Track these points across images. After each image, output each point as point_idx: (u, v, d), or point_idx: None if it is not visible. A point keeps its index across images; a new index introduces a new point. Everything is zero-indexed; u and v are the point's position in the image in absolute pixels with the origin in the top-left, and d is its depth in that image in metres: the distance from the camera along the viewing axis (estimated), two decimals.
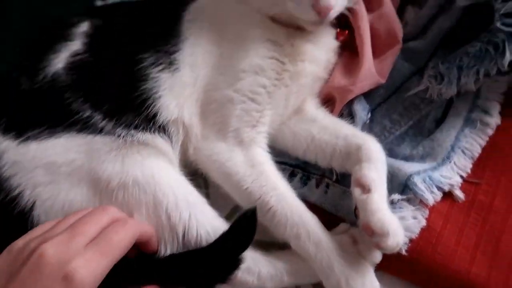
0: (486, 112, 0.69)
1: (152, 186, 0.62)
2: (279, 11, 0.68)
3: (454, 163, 0.67)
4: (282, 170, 0.74)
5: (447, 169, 0.66)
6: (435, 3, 0.73)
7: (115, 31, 0.73)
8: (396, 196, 0.63)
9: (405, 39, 0.77)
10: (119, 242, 0.52)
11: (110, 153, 0.65)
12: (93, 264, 0.49)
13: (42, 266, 0.47)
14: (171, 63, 0.71)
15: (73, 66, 0.70)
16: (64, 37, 0.72)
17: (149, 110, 0.68)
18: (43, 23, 0.82)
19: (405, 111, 0.75)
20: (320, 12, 0.63)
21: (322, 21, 0.66)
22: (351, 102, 0.75)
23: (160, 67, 0.70)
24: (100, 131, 0.66)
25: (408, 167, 0.65)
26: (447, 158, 0.67)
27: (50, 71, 0.69)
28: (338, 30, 0.77)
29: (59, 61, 0.70)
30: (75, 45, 0.71)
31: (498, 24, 0.63)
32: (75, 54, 0.70)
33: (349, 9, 0.72)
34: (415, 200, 0.64)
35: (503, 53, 0.63)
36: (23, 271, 0.47)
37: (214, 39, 0.73)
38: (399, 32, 0.76)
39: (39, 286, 0.46)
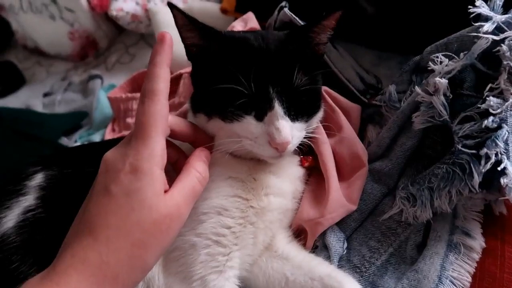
0: (468, 234, 0.65)
1: None
2: (238, 148, 0.67)
3: None
4: None
5: None
6: (394, 124, 0.73)
7: (69, 180, 0.71)
8: None
9: (371, 160, 0.76)
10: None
11: None
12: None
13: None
14: None
15: (24, 224, 0.65)
16: (17, 192, 0.69)
17: None
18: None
19: (383, 237, 0.70)
20: (278, 148, 0.62)
21: (281, 155, 0.65)
22: (324, 233, 0.70)
23: None
24: None
25: None
26: None
27: None
28: (301, 156, 0.76)
29: (10, 219, 0.66)
30: (28, 200, 0.68)
31: (459, 146, 0.61)
32: (27, 211, 0.67)
33: (309, 137, 0.71)
34: None
35: (470, 174, 0.61)
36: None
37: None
38: (363, 155, 0.75)
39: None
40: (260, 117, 0.63)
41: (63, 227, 0.65)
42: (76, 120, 1.20)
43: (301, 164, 0.75)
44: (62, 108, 1.29)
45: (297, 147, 0.69)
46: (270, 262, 0.69)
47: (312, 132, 0.70)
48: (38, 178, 0.71)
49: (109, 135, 1.11)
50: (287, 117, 0.62)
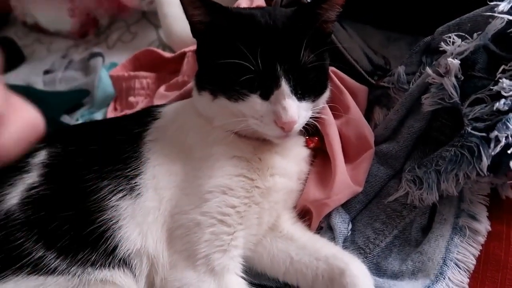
0: (473, 217, 0.65)
1: None
2: (243, 127, 0.66)
3: (449, 279, 0.60)
4: None
5: (443, 287, 0.59)
6: (402, 106, 0.72)
7: (72, 159, 0.70)
8: None
9: (378, 142, 0.75)
10: None
11: None
12: None
13: None
14: (132, 189, 0.66)
15: (28, 201, 0.65)
16: (20, 169, 0.69)
17: (107, 244, 0.63)
18: None
19: (388, 219, 0.70)
20: (284, 127, 0.61)
21: (287, 135, 0.64)
22: (329, 214, 0.70)
23: (120, 195, 0.65)
24: (53, 271, 0.61)
25: None
26: (441, 273, 0.60)
27: (3, 208, 0.64)
28: (307, 137, 0.75)
29: (14, 196, 0.65)
30: (31, 177, 0.67)
31: (469, 129, 0.60)
32: (31, 188, 0.66)
33: (316, 118, 0.70)
34: None
35: (479, 157, 0.60)
36: None
37: (177, 159, 0.69)
38: (370, 137, 0.74)
39: None
40: (266, 96, 0.61)
41: (66, 204, 0.65)
42: (78, 98, 1.18)
43: (307, 145, 0.75)
44: (63, 86, 1.27)
45: (303, 127, 0.68)
46: (275, 242, 0.69)
47: (318, 113, 0.69)
48: (42, 155, 0.70)
49: (111, 114, 1.10)
50: (293, 96, 0.61)
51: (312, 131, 0.74)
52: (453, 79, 0.62)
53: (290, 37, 0.62)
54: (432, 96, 0.65)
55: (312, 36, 0.62)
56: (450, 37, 0.65)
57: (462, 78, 0.63)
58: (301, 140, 0.74)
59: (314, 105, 0.67)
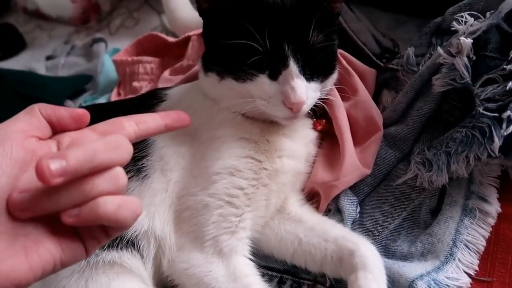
0: (484, 199, 0.64)
1: None
2: (250, 108, 0.65)
3: (459, 260, 0.60)
4: (270, 278, 0.67)
5: (453, 268, 0.59)
6: (411, 88, 0.71)
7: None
8: None
9: (386, 124, 0.74)
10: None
11: (71, 277, 0.58)
12: None
13: None
14: (139, 170, 0.65)
15: None
16: None
17: None
18: None
19: (397, 202, 0.69)
20: (292, 108, 0.60)
21: (295, 116, 0.63)
22: (337, 197, 0.69)
23: (128, 176, 0.64)
24: None
25: (409, 271, 0.58)
26: (450, 255, 0.60)
27: None
28: (315, 120, 0.74)
29: None
30: None
31: (481, 109, 0.60)
32: None
33: (324, 99, 0.69)
34: None
35: (490, 138, 0.59)
36: None
37: (184, 140, 0.68)
38: (379, 119, 0.73)
39: None
40: (274, 76, 0.61)
41: None
42: (81, 83, 1.17)
43: (314, 128, 0.74)
44: (66, 72, 1.25)
45: (311, 110, 0.67)
46: (283, 224, 0.69)
47: (327, 94, 0.68)
48: None
49: (114, 99, 1.08)
50: (302, 76, 0.60)
51: (320, 113, 0.74)
52: (465, 59, 0.61)
53: (298, 17, 0.61)
54: (443, 77, 0.64)
55: (321, 16, 0.61)
56: (462, 16, 0.64)
57: (474, 58, 0.62)
58: (309, 122, 0.74)
59: (322, 86, 0.66)
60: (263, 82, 0.61)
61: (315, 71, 0.62)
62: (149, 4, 1.48)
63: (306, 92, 0.60)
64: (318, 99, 0.66)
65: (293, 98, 0.59)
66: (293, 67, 0.59)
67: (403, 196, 0.69)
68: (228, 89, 0.66)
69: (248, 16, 0.60)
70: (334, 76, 0.70)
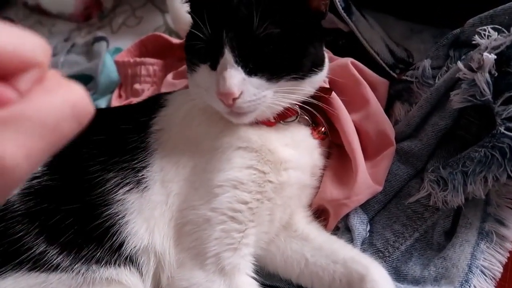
0: (501, 222, 0.61)
1: None
2: (203, 102, 0.64)
3: (475, 287, 0.57)
4: None
5: None
6: (426, 102, 0.68)
7: (76, 148, 0.66)
8: None
9: (398, 139, 0.71)
10: None
11: None
12: None
13: None
14: (139, 182, 0.63)
15: (29, 192, 0.61)
16: None
17: (113, 240, 0.59)
18: None
19: (408, 221, 0.66)
20: (223, 100, 0.57)
21: (235, 112, 0.58)
22: (347, 215, 0.66)
23: (127, 188, 0.62)
24: (56, 268, 0.57)
25: None
26: (466, 281, 0.57)
27: None
28: (312, 127, 0.70)
29: None
30: None
31: (502, 129, 0.57)
32: (32, 178, 0.62)
33: (328, 113, 0.66)
34: None
35: (511, 159, 0.56)
36: None
37: (185, 150, 0.65)
38: (391, 133, 0.70)
39: None
40: (214, 66, 0.59)
41: (70, 196, 0.61)
42: (81, 84, 1.13)
43: (312, 136, 0.70)
44: (65, 70, 1.21)
45: (308, 116, 0.67)
46: (289, 242, 0.66)
47: (318, 100, 0.65)
48: None
49: (115, 101, 1.05)
50: (239, 68, 0.56)
51: (321, 122, 0.70)
52: (487, 75, 0.58)
53: (245, 6, 0.58)
54: (462, 93, 0.61)
55: (280, 8, 0.58)
56: (485, 30, 0.60)
57: (496, 74, 0.59)
58: (308, 131, 0.70)
59: (278, 86, 0.59)
60: (204, 71, 0.61)
61: (260, 64, 0.57)
62: (152, 2, 1.44)
63: (241, 85, 0.56)
64: (296, 102, 0.62)
65: (221, 88, 0.56)
66: (227, 55, 0.56)
67: (416, 216, 0.66)
68: (191, 82, 0.66)
69: (201, 5, 0.61)
70: (313, 79, 0.63)
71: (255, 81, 0.57)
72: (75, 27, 1.49)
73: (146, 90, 1.01)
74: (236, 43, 0.56)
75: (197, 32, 0.59)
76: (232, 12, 0.58)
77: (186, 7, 0.68)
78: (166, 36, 1.07)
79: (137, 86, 1.04)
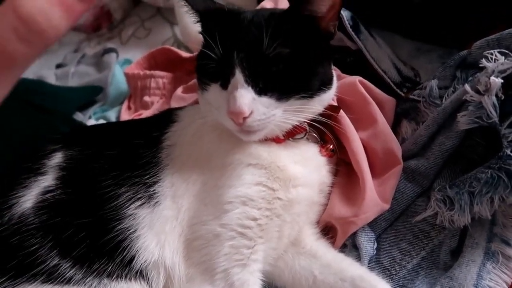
0: (507, 242, 0.62)
1: None
2: (213, 120, 0.65)
3: None
4: None
5: None
6: (433, 122, 0.69)
7: (89, 162, 0.67)
8: None
9: (405, 157, 0.72)
10: None
11: None
12: None
13: None
14: (150, 197, 0.64)
15: (43, 206, 0.62)
16: (35, 170, 0.66)
17: (124, 254, 0.60)
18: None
19: (415, 239, 0.67)
20: (233, 119, 0.58)
21: (245, 130, 0.60)
22: (354, 232, 0.67)
23: (139, 203, 0.63)
24: (69, 281, 0.59)
25: None
26: None
27: (17, 212, 0.62)
28: (321, 144, 0.71)
29: (28, 199, 0.63)
30: (47, 180, 0.65)
31: (508, 151, 0.58)
32: (46, 192, 0.63)
33: (336, 131, 0.67)
34: None
35: None
36: None
37: (196, 166, 0.66)
38: (398, 152, 0.71)
39: None
40: (225, 85, 0.60)
41: (83, 211, 0.63)
42: (91, 95, 1.15)
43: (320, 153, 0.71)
44: (75, 81, 1.24)
45: (316, 134, 0.68)
46: (297, 258, 0.66)
47: (326, 118, 0.66)
48: (58, 158, 0.67)
49: (125, 112, 1.07)
50: (249, 87, 0.57)
51: (330, 140, 0.71)
52: (494, 98, 0.59)
53: (255, 26, 0.60)
54: (469, 115, 0.62)
55: (289, 28, 0.59)
56: (492, 54, 0.62)
57: (503, 97, 0.60)
58: (316, 148, 0.71)
59: (288, 104, 0.60)
60: (215, 90, 0.62)
61: (270, 84, 0.59)
62: (161, 14, 1.46)
63: (251, 104, 0.57)
64: (309, 121, 0.64)
65: (232, 107, 0.57)
66: (238, 75, 0.58)
67: (422, 234, 0.67)
68: (202, 100, 0.68)
69: (213, 26, 0.62)
70: (321, 97, 0.64)
71: (265, 100, 0.59)
72: (85, 37, 1.51)
73: (155, 103, 1.03)
74: (247, 63, 0.58)
75: (208, 52, 0.60)
76: (243, 32, 0.60)
77: (197, 27, 0.69)
78: (176, 49, 1.08)
79: (146, 98, 1.05)
